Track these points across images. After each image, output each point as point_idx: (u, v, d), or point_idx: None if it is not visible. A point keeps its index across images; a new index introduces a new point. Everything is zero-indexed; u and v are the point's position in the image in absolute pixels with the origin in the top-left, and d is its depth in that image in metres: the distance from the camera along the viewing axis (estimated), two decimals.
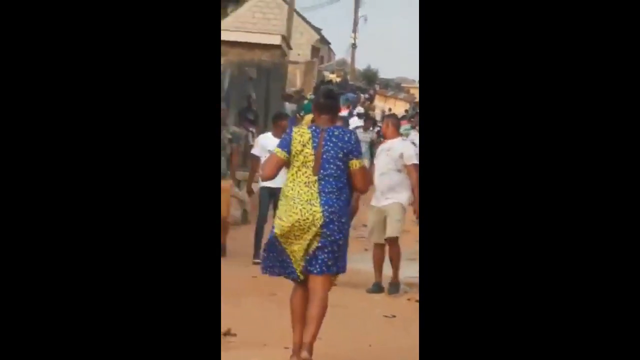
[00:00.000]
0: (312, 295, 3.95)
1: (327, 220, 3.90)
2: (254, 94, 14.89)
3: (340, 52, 33.50)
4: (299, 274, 3.98)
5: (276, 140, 6.91)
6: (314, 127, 4.07)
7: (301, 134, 4.01)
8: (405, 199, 6.62)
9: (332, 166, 3.95)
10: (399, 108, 24.34)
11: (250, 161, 8.70)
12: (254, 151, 7.85)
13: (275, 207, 5.04)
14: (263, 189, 7.45)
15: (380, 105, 27.04)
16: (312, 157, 3.94)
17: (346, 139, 4.02)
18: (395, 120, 7.45)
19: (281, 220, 3.97)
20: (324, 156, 3.95)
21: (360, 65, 37.47)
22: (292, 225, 3.90)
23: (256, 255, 7.23)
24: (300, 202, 3.92)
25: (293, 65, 24.70)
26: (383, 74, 41.19)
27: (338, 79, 26.74)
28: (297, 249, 3.94)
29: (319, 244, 3.92)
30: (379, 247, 6.73)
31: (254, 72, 15.23)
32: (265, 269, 4.15)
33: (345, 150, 3.98)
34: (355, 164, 4.02)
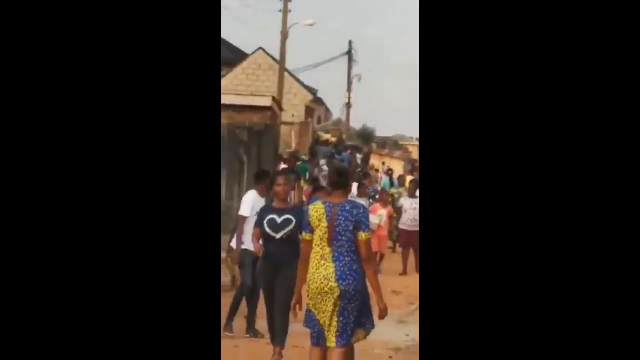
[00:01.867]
0: None
1: (343, 292, 4.30)
2: (245, 156, 14.80)
3: (337, 112, 33.56)
4: (327, 342, 4.34)
5: (262, 200, 6.58)
6: (327, 203, 4.50)
7: (316, 209, 4.45)
8: None
9: (343, 238, 4.36)
10: (395, 165, 24.20)
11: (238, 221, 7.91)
12: (243, 212, 6.88)
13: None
14: (246, 251, 6.68)
15: (377, 164, 26.98)
16: (326, 230, 4.35)
17: (355, 212, 4.41)
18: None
19: (313, 299, 4.38)
20: (337, 229, 4.35)
21: (357, 124, 37.59)
22: (322, 303, 4.33)
23: (227, 326, 6.73)
24: (319, 277, 4.34)
25: (287, 126, 24.72)
26: (380, 132, 41.36)
27: (333, 139, 26.69)
28: (322, 319, 4.34)
29: (339, 316, 4.31)
30: None
31: (245, 135, 15.17)
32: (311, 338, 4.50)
33: (355, 223, 4.37)
34: (361, 235, 4.37)
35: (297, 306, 4.50)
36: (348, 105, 32.27)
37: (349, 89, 32.16)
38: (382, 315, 4.37)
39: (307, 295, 4.38)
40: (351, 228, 4.35)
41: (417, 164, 25.87)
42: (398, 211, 11.94)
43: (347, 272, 4.32)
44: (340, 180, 4.61)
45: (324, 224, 4.36)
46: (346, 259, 4.34)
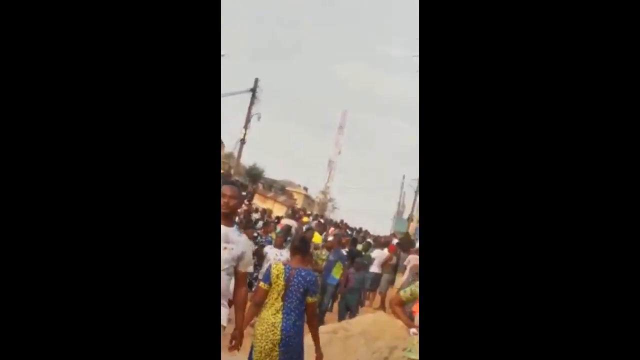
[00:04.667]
0: None
1: (284, 341, 5.13)
2: None
3: (232, 146, 33.24)
4: None
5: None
6: (287, 265, 5.32)
7: (277, 268, 5.29)
8: None
9: (294, 297, 5.20)
10: (278, 211, 24.07)
11: None
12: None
13: None
14: None
15: (260, 206, 26.78)
16: (282, 287, 5.18)
17: (308, 279, 5.26)
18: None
19: (259, 340, 5.18)
20: (290, 289, 5.19)
21: (248, 162, 37.40)
22: (265, 345, 5.15)
23: None
24: (267, 324, 5.17)
25: None
26: (270, 174, 41.34)
27: (221, 171, 26.36)
28: None
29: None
30: None
31: None
32: None
33: (305, 289, 5.21)
34: (309, 299, 5.26)
35: (235, 342, 4.60)
36: (242, 141, 32.04)
37: (246, 126, 31.98)
38: None
39: (254, 337, 5.19)
40: (302, 291, 5.19)
41: (299, 214, 25.86)
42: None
43: (292, 325, 5.16)
44: (300, 247, 5.48)
45: (282, 282, 5.20)
46: (292, 314, 5.17)
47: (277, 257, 9.89)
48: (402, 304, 5.22)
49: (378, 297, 14.83)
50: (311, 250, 10.27)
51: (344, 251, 12.65)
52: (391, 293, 12.05)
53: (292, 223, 16.65)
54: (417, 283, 5.04)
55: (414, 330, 5.04)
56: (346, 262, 12.11)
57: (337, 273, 11.75)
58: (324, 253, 11.96)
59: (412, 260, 13.68)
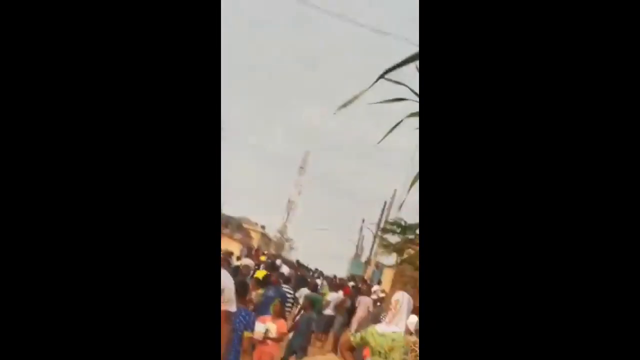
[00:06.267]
0: None
1: None
2: None
3: None
4: None
5: None
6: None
7: None
8: None
9: (236, 337, 5.63)
10: (233, 248, 23.78)
11: None
12: None
13: None
14: None
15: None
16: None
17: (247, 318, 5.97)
18: None
19: None
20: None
21: None
22: None
23: None
24: None
25: None
26: (227, 211, 41.03)
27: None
28: None
29: None
30: None
31: None
32: None
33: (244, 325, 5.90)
34: (245, 334, 5.82)
35: None
36: None
37: None
38: None
39: None
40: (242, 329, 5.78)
41: (258, 251, 25.63)
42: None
43: None
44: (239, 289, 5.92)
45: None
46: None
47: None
48: (352, 349, 5.13)
49: (331, 340, 14.66)
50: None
51: (287, 288, 12.53)
52: (344, 336, 11.92)
53: (250, 262, 16.48)
54: (368, 329, 5.02)
55: None
56: (287, 300, 11.96)
57: (272, 309, 11.64)
58: (261, 291, 11.83)
59: (363, 300, 13.69)
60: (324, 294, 15.08)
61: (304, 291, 13.62)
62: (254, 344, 8.40)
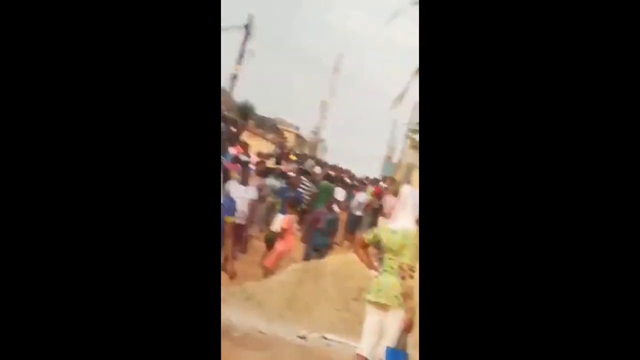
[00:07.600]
0: None
1: None
2: None
3: (224, 82, 33.00)
4: None
5: None
6: None
7: None
8: None
9: None
10: (263, 148, 24.04)
11: None
12: None
13: None
14: None
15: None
16: None
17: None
18: None
19: None
20: None
21: (240, 98, 37.17)
22: None
23: None
24: None
25: None
26: (261, 112, 41.09)
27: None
28: None
29: None
30: None
31: None
32: None
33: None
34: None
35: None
36: (234, 77, 31.82)
37: (239, 62, 31.70)
38: None
39: None
40: None
41: (287, 151, 25.87)
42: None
43: None
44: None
45: None
46: None
47: (244, 194, 9.94)
48: (366, 246, 5.26)
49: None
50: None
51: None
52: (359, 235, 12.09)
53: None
54: (382, 226, 5.09)
55: (374, 272, 5.14)
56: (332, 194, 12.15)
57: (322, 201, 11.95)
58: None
59: (388, 200, 13.57)
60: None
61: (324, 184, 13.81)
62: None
